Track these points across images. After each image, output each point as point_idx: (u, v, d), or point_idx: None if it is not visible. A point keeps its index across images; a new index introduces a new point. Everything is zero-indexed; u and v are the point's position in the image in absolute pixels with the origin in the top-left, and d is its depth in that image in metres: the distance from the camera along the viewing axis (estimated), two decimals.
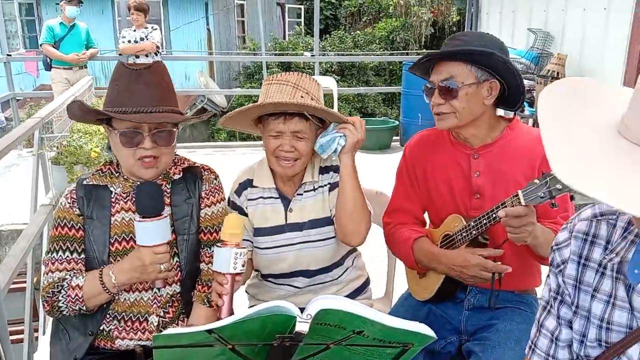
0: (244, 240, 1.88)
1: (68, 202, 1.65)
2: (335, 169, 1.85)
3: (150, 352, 1.17)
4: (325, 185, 1.87)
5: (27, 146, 6.68)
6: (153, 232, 1.51)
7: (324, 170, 1.88)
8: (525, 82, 6.20)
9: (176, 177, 1.72)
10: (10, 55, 6.78)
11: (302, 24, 18.94)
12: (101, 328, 1.65)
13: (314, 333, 1.05)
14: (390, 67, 14.54)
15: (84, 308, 1.59)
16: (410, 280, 2.00)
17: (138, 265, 1.53)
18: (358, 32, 15.67)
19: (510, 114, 1.86)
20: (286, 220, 1.86)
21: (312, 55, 8.66)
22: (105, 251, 1.63)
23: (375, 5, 16.74)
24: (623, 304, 0.99)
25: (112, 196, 1.67)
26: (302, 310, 1.04)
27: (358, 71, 13.72)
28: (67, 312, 1.60)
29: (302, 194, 1.86)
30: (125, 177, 1.68)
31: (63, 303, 1.57)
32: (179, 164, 1.76)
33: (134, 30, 6.60)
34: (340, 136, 1.74)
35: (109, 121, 1.61)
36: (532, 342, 1.19)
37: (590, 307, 1.04)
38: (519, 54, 5.64)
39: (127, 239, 1.64)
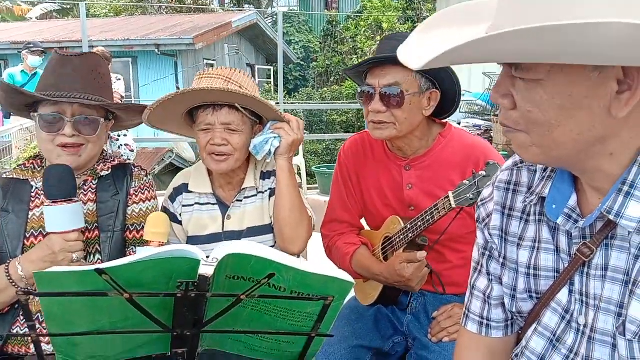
0: None
1: None
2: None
3: None
4: (266, 191, 1.76)
5: None
6: (63, 217, 1.42)
7: (265, 175, 1.78)
8: (482, 122, 6.35)
9: (104, 173, 1.65)
10: None
11: (272, 83, 19.38)
12: (15, 332, 1.50)
13: (224, 288, 0.97)
14: (359, 123, 14.81)
15: None
16: (355, 286, 1.91)
17: (47, 253, 1.43)
18: (325, 89, 16.07)
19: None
20: (223, 228, 1.74)
21: (276, 104, 8.78)
22: (19, 246, 1.52)
23: (342, 65, 17.26)
24: (547, 245, 0.95)
25: (33, 191, 1.59)
26: None
27: (327, 126, 13.92)
28: None
29: (241, 200, 1.75)
30: None
31: None
32: (109, 160, 1.69)
33: None
34: (275, 137, 1.65)
35: (37, 109, 1.55)
36: (465, 309, 1.13)
37: (517, 257, 1.00)
38: (475, 95, 5.83)
39: (44, 234, 1.53)
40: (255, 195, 1.76)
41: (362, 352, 1.66)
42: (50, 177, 1.44)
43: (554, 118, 0.75)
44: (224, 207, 1.76)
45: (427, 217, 1.56)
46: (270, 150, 1.65)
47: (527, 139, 0.80)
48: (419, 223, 1.59)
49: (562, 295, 0.92)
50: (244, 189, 1.75)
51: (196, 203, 1.77)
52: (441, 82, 1.64)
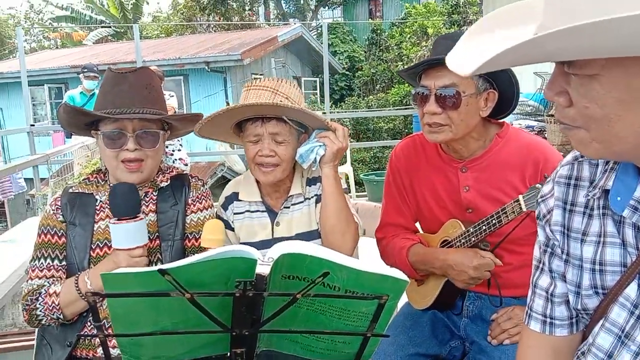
0: None
1: (52, 209, 1.65)
2: None
3: None
4: (312, 197, 1.79)
5: None
6: (129, 234, 1.47)
7: (311, 181, 1.81)
8: (535, 123, 6.15)
9: (163, 184, 1.72)
10: (33, 125, 7.05)
11: (318, 94, 19.53)
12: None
13: (280, 287, 0.99)
14: (406, 130, 14.70)
15: (62, 317, 1.54)
16: (408, 290, 1.89)
17: (114, 268, 1.48)
18: (371, 97, 16.03)
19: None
20: (273, 235, 1.78)
21: (323, 114, 8.84)
22: (85, 257, 1.60)
23: (387, 73, 17.19)
24: (613, 239, 0.91)
25: (97, 204, 1.67)
26: None
27: (373, 134, 13.89)
28: (45, 320, 1.55)
29: (289, 207, 1.78)
30: (111, 185, 1.67)
31: (41, 311, 1.53)
32: (167, 172, 1.75)
33: None
34: (320, 145, 1.67)
35: (97, 127, 1.63)
36: (528, 307, 1.10)
37: (582, 253, 0.97)
38: (527, 96, 5.66)
39: (109, 245, 1.60)
40: (302, 201, 1.79)
41: None
42: (116, 196, 1.50)
43: (613, 112, 0.73)
44: (272, 214, 1.80)
45: (494, 221, 1.53)
46: (315, 158, 1.67)
47: (586, 135, 0.78)
48: (484, 227, 1.56)
49: (631, 289, 0.89)
50: (290, 196, 1.78)
51: (246, 211, 1.82)
52: (499, 82, 1.59)
